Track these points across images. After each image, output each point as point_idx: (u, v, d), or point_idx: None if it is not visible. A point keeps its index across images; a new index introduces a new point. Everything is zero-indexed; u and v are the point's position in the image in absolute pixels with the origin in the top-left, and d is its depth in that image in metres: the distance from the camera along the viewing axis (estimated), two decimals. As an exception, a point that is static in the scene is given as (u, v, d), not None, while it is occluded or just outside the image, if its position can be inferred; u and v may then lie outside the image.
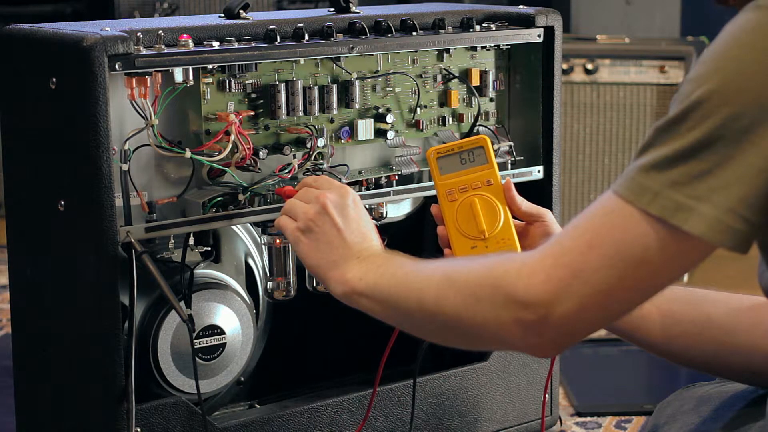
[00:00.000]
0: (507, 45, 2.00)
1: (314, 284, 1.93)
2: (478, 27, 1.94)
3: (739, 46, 1.08)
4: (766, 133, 1.07)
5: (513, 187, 1.61)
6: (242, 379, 1.93)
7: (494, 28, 1.95)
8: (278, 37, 1.76)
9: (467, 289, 1.23)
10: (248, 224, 1.89)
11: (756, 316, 1.42)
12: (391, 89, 1.90)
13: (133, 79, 1.64)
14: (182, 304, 1.75)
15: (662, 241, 1.11)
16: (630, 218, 1.12)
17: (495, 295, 1.19)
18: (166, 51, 1.66)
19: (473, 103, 1.98)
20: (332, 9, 1.93)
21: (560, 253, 1.15)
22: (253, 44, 1.74)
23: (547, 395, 2.08)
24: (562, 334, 1.17)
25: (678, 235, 1.10)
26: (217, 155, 1.71)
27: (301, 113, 1.80)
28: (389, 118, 1.88)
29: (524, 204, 1.61)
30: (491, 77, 1.98)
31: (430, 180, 1.94)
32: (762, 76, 1.06)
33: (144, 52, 1.64)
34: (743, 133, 1.07)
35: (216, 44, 1.71)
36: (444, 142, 1.91)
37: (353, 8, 1.92)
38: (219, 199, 1.74)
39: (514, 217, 1.60)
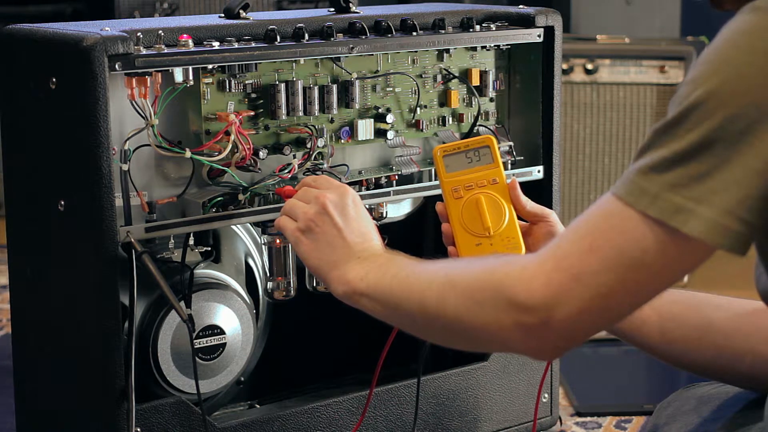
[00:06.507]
0: (507, 45, 2.00)
1: (314, 284, 1.93)
2: (478, 27, 1.94)
3: (736, 48, 1.08)
4: (764, 134, 1.07)
5: (518, 187, 1.61)
6: (242, 379, 1.93)
7: (494, 28, 1.95)
8: (278, 37, 1.76)
9: (468, 292, 1.23)
10: (248, 224, 1.89)
11: (757, 322, 1.42)
12: (391, 89, 1.90)
13: (133, 79, 1.64)
14: (182, 304, 1.75)
15: (661, 243, 1.11)
16: (629, 221, 1.12)
17: (496, 298, 1.20)
18: (166, 51, 1.66)
19: (473, 103, 1.98)
20: (332, 9, 1.93)
21: (561, 257, 1.16)
22: (253, 44, 1.74)
23: (546, 395, 2.08)
24: (563, 337, 1.17)
25: (677, 237, 1.10)
26: (217, 155, 1.71)
27: (301, 113, 1.80)
28: (389, 118, 1.88)
29: (529, 204, 1.62)
30: (491, 77, 1.98)
31: (430, 180, 1.94)
32: (759, 78, 1.07)
33: (144, 52, 1.64)
34: (741, 134, 1.07)
35: (216, 44, 1.71)
36: (444, 142, 1.91)
37: (353, 8, 1.92)
38: (219, 199, 1.74)
39: (518, 217, 1.61)
